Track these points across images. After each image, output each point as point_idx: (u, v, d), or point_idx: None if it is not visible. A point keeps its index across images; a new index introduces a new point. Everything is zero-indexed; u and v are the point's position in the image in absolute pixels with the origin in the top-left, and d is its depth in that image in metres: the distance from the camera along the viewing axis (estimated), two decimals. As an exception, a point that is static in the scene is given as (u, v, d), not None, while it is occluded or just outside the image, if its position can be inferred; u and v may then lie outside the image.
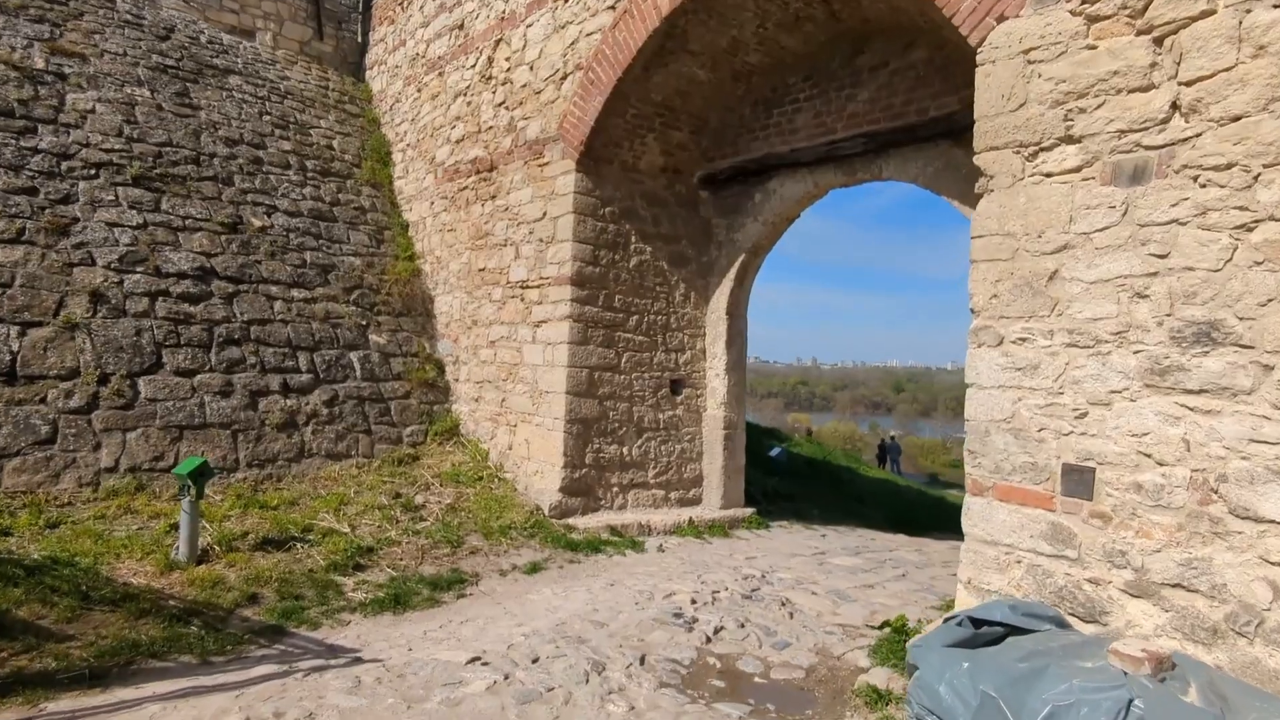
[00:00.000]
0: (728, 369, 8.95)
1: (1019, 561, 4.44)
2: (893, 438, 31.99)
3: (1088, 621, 4.10)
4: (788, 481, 11.80)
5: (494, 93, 9.49)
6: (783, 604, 6.01)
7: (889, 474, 21.06)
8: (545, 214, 8.49)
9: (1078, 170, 4.32)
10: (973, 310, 4.77)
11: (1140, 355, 4.00)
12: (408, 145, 11.65)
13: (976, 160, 4.77)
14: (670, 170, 8.80)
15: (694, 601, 5.91)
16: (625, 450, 8.47)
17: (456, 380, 10.08)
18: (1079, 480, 4.22)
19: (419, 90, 11.38)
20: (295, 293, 9.39)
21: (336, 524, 6.92)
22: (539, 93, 8.65)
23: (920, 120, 6.75)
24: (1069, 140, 4.34)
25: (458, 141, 10.27)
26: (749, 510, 9.11)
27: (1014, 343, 4.54)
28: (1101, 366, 4.15)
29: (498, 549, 7.01)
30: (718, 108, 8.42)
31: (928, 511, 13.20)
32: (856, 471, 17.71)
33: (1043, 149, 4.47)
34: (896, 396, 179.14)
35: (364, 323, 9.85)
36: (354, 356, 9.42)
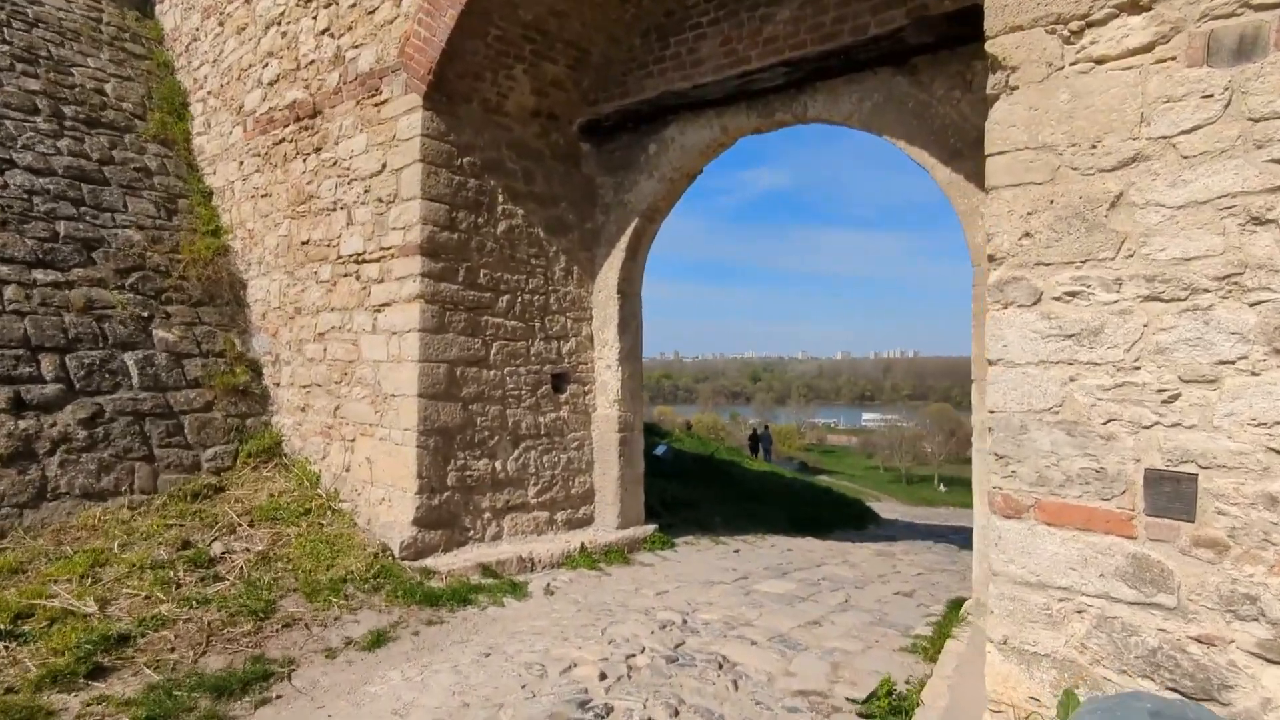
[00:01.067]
0: (621, 359, 7.30)
1: (1082, 612, 3.06)
2: (766, 427, 31.64)
3: (1199, 699, 2.76)
4: (683, 485, 10.33)
5: (315, 17, 7.33)
6: (720, 666, 4.43)
7: (771, 465, 20.22)
8: (384, 166, 6.49)
9: (1148, 49, 2.96)
10: (992, 258, 3.35)
11: (1263, 308, 2.69)
12: (209, 93, 9.17)
13: (989, 48, 3.35)
14: (545, 115, 7.01)
15: (603, 676, 4.21)
16: (499, 465, 6.63)
17: (277, 385, 7.83)
18: (1173, 493, 2.88)
19: (221, 23, 8.93)
20: (38, 274, 6.84)
21: (77, 601, 4.67)
22: (373, 11, 6.62)
23: (857, 41, 5.37)
24: (1133, 8, 2.98)
25: (271, 83, 7.99)
26: (650, 527, 7.51)
27: (1060, 299, 3.15)
28: (1202, 327, 2.82)
29: (326, 615, 5.00)
30: (602, 35, 6.72)
31: (824, 507, 12.15)
32: (743, 466, 16.61)
33: (1091, 23, 3.09)
34: (754, 386, 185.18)
35: (146, 314, 7.40)
36: (129, 359, 6.99)
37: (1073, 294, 3.11)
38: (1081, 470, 3.06)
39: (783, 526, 9.81)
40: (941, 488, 51.35)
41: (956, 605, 5.51)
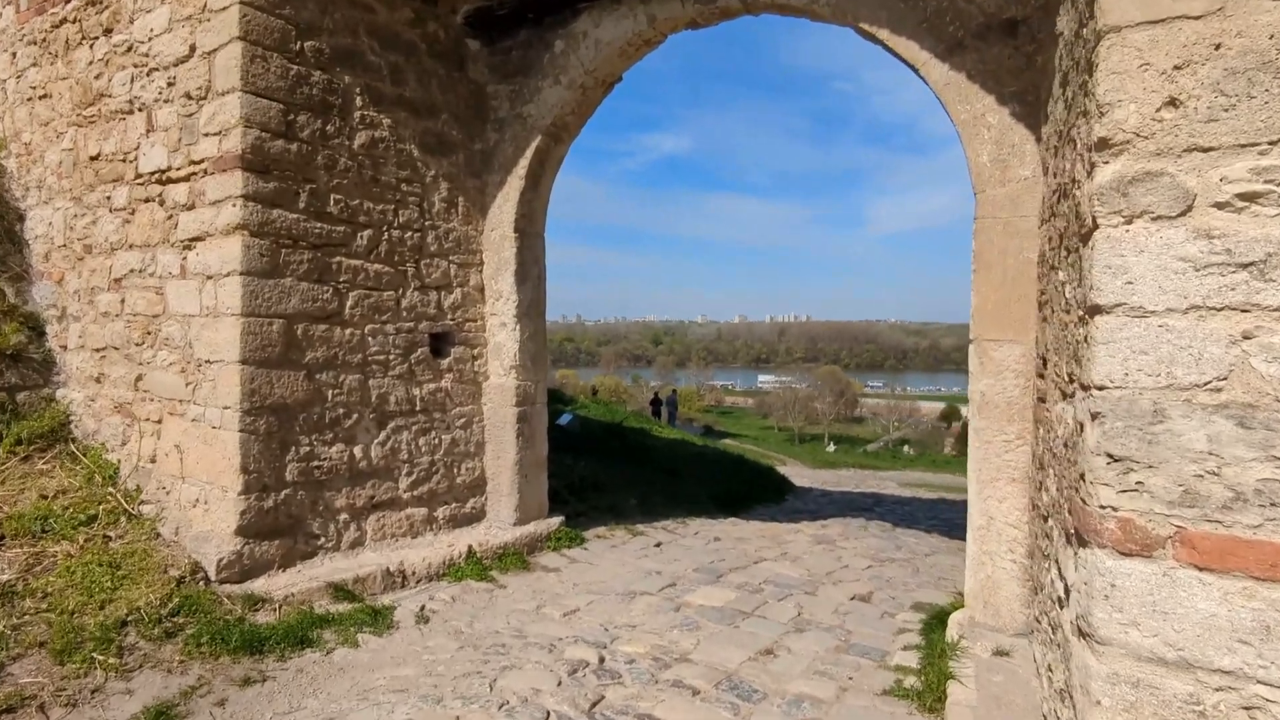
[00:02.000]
0: (519, 315, 5.80)
1: (1257, 712, 1.89)
2: (673, 391, 30.69)
3: None
4: (593, 462, 8.98)
5: None
6: (657, 738, 3.12)
7: (680, 432, 19.18)
8: (193, 49, 4.67)
9: None
10: (1105, 144, 2.09)
11: None
12: (-29, -36, 6.85)
13: None
14: (418, -3, 5.33)
15: (491, 773, 2.82)
16: (359, 451, 5.05)
17: (64, 348, 5.89)
18: None
19: None
20: None
21: None
22: None
23: (833, -105, 3.99)
24: None
25: (46, -55, 5.89)
26: (555, 520, 6.12)
27: (1229, 206, 1.92)
28: None
29: (79, 685, 3.36)
30: (492, -109, 5.08)
31: (743, 480, 11.10)
32: (654, 434, 15.44)
33: None
34: (655, 349, 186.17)
35: None
36: None
37: (1251, 197, 1.89)
38: (1262, 484, 1.87)
39: (705, 506, 8.64)
40: (831, 447, 52.39)
41: (934, 620, 4.42)
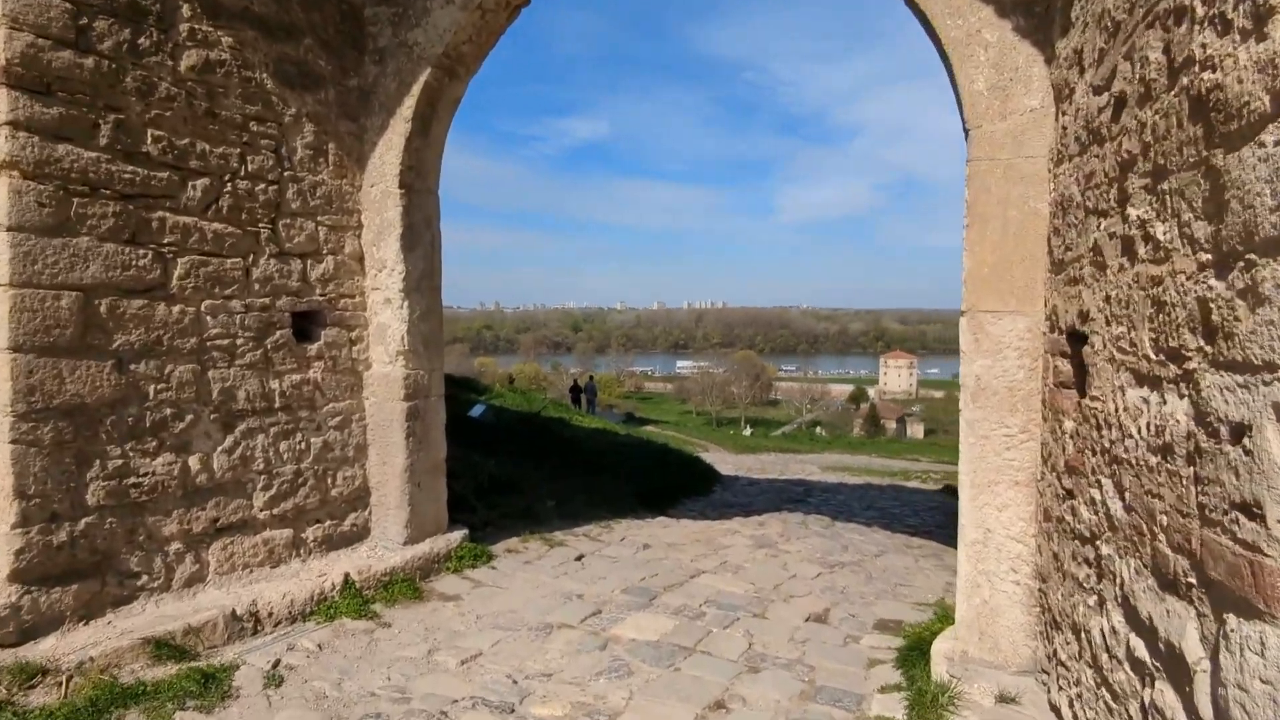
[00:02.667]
0: (407, 289, 4.73)
1: None
2: (591, 378, 29.70)
3: None
4: (505, 460, 7.96)
5: None
6: None
7: (602, 421, 18.26)
8: (-63, -75, 3.37)
9: None
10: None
11: None
12: None
13: None
14: (265, -117, 4.15)
15: None
16: (196, 462, 3.91)
17: None
18: None
19: None
20: None
21: None
22: None
23: None
24: None
25: None
26: (457, 534, 5.11)
27: None
28: None
29: None
30: None
31: (669, 471, 10.30)
32: (573, 424, 14.48)
33: None
34: (575, 336, 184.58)
35: None
36: None
37: None
38: None
39: (630, 504, 7.78)
40: (748, 430, 52.76)
41: (912, 650, 3.68)
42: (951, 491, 12.56)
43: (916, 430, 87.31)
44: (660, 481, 9.20)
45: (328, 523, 4.58)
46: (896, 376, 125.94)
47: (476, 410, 11.18)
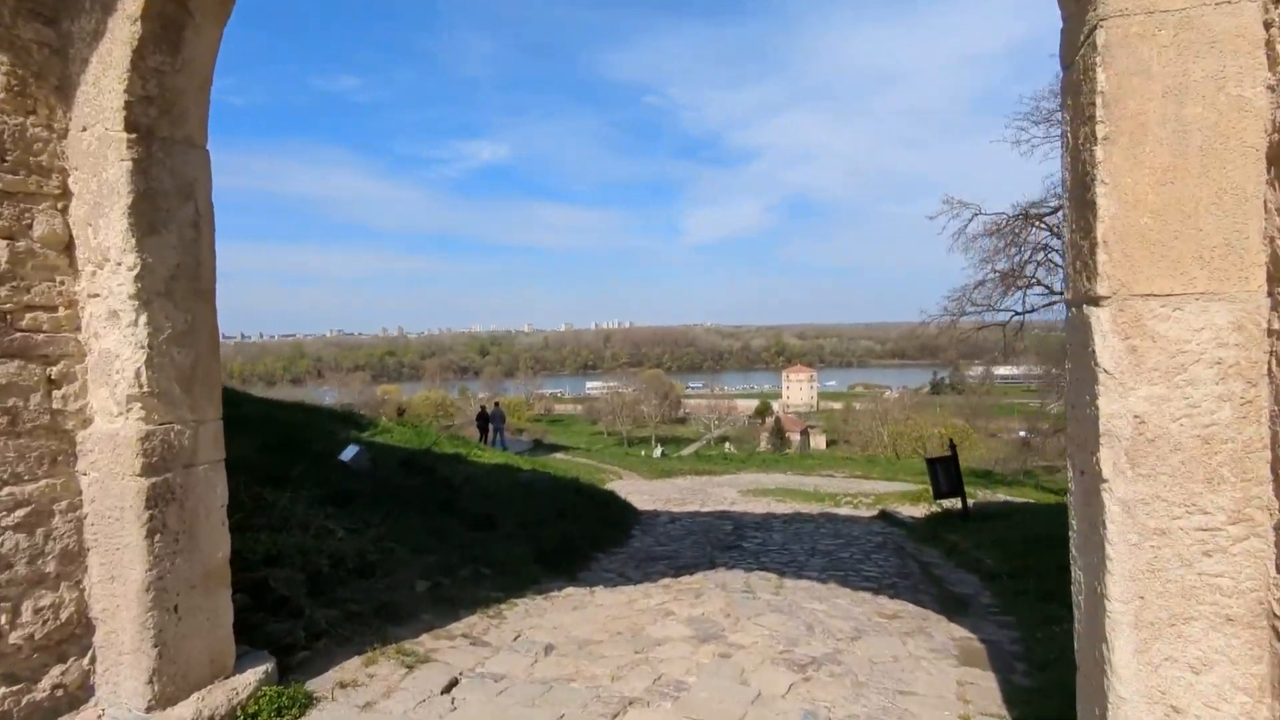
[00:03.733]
0: (147, 294, 2.89)
1: None
2: (497, 404, 27.52)
3: None
4: (375, 513, 6.09)
5: None
6: None
7: (505, 455, 16.29)
8: None
9: None
10: None
11: None
12: None
13: None
14: None
15: None
16: None
17: None
18: None
19: None
20: None
21: None
22: None
23: None
24: None
25: None
26: (250, 676, 3.24)
27: None
28: None
29: None
30: None
31: (579, 518, 8.60)
32: (469, 460, 12.57)
33: None
34: (483, 360, 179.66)
35: None
36: None
37: None
38: None
39: (530, 571, 6.06)
40: (659, 450, 51.52)
41: None
42: (886, 517, 11.43)
43: (819, 441, 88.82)
44: (569, 532, 7.50)
45: (5, 687, 2.67)
46: (798, 390, 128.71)
47: (349, 453, 9.15)
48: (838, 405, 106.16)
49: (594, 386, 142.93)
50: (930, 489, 9.56)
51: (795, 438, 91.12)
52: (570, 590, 5.67)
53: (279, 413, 14.16)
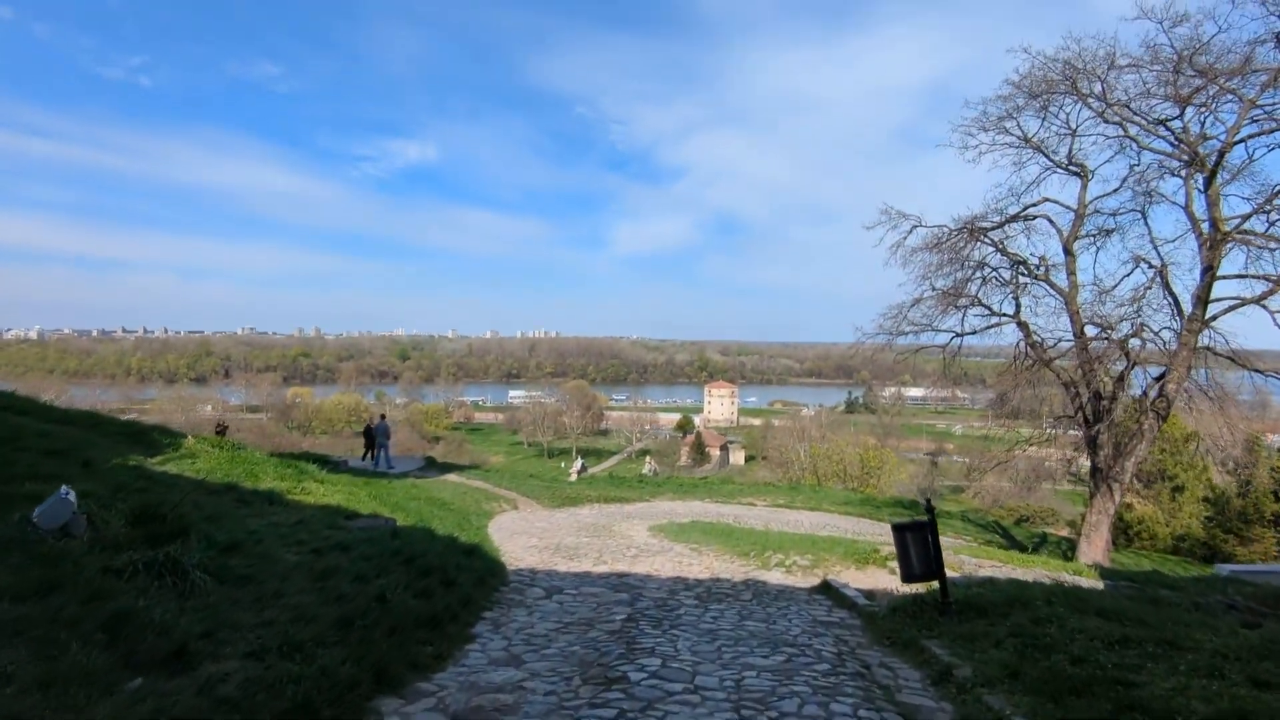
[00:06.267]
0: None
1: None
2: (382, 417, 23.84)
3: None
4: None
5: None
6: None
7: (362, 485, 12.82)
8: None
9: None
10: None
11: None
12: None
13: None
14: None
15: None
16: None
17: None
18: None
19: None
20: None
21: None
22: None
23: None
24: None
25: None
26: None
27: None
28: None
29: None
30: None
31: (379, 622, 5.41)
32: (284, 501, 9.24)
33: None
34: (402, 365, 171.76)
35: None
36: None
37: None
38: None
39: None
40: (578, 463, 47.92)
41: None
42: (831, 592, 8.56)
43: (739, 457, 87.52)
44: (332, 670, 4.34)
45: None
46: (720, 405, 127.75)
47: (49, 507, 5.74)
48: (757, 421, 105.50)
49: (517, 395, 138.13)
50: (897, 564, 6.87)
51: (715, 453, 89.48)
52: None
53: (49, 426, 10.40)
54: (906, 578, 6.38)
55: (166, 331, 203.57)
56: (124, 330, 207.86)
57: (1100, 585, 9.10)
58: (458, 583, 6.85)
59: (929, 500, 6.67)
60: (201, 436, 11.66)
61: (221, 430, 12.42)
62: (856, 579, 8.75)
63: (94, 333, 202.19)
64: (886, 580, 8.69)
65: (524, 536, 12.67)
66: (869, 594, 7.91)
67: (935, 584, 6.37)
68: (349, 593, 5.71)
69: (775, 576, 8.95)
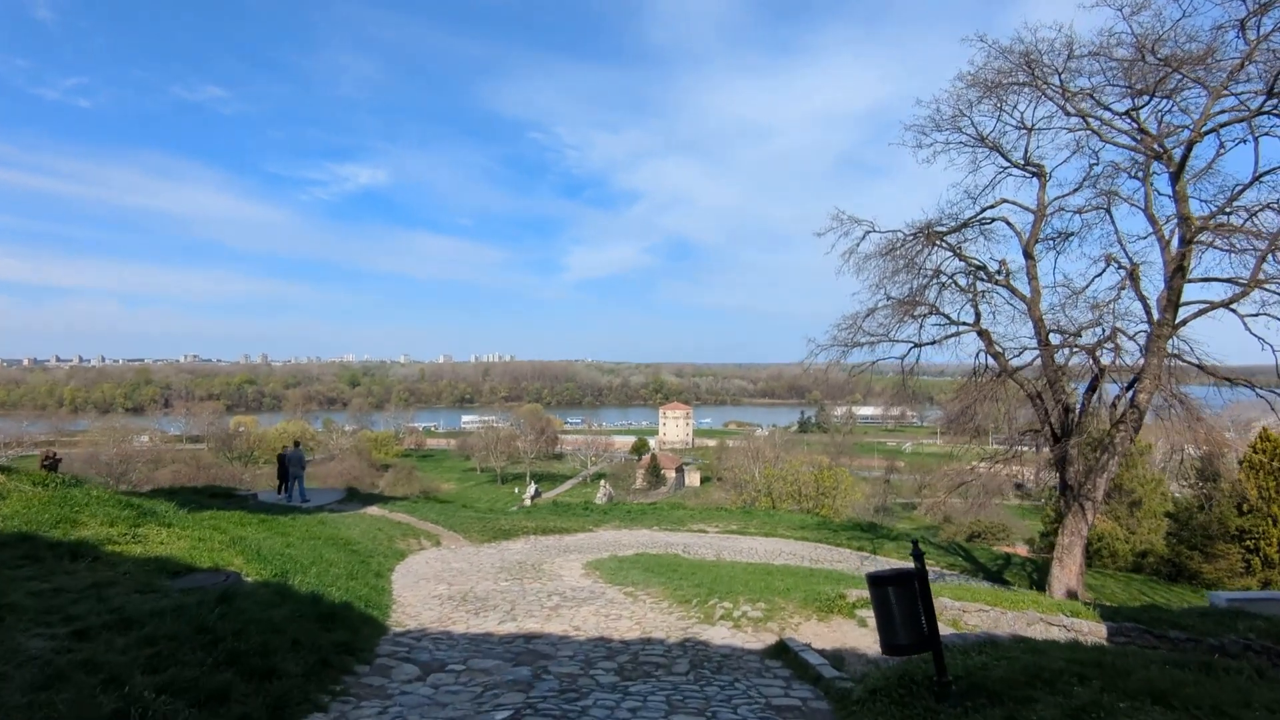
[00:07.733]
0: None
1: None
2: (296, 445, 21.39)
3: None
4: None
5: None
6: None
7: (250, 521, 10.58)
8: None
9: None
10: None
11: None
12: None
13: None
14: None
15: None
16: None
17: None
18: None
19: None
20: None
21: None
22: None
23: None
24: None
25: None
26: None
27: None
28: None
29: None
30: None
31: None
32: (102, 555, 7.08)
33: None
34: (352, 391, 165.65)
35: None
36: None
37: None
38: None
39: None
40: (532, 488, 45.56)
41: None
42: (788, 658, 6.66)
43: (694, 478, 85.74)
44: None
45: None
46: (675, 427, 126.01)
47: None
48: (712, 442, 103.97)
49: (470, 420, 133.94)
50: (867, 613, 5.14)
51: (671, 475, 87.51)
52: None
53: None
54: (889, 648, 4.64)
55: (104, 360, 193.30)
56: (58, 359, 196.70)
57: (1103, 629, 7.55)
58: (277, 672, 4.85)
59: (916, 544, 4.95)
60: (20, 473, 9.35)
61: (51, 464, 10.09)
62: (819, 634, 7.01)
63: (25, 361, 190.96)
64: (856, 636, 6.97)
65: (431, 583, 10.63)
66: (836, 657, 6.17)
67: (927, 652, 4.66)
68: (65, 713, 3.69)
69: (720, 634, 7.13)
